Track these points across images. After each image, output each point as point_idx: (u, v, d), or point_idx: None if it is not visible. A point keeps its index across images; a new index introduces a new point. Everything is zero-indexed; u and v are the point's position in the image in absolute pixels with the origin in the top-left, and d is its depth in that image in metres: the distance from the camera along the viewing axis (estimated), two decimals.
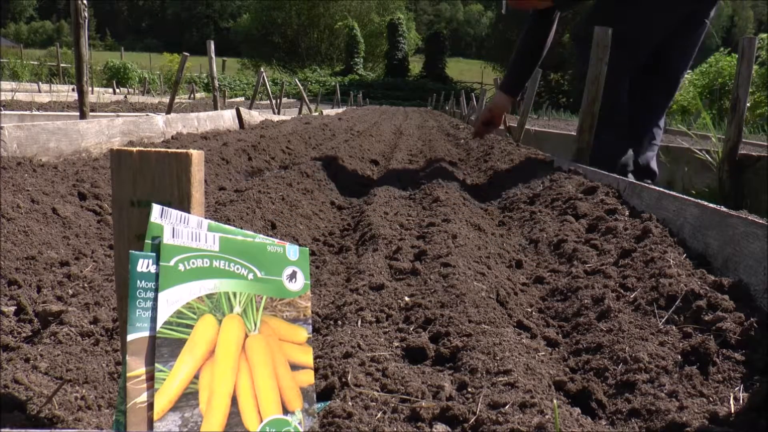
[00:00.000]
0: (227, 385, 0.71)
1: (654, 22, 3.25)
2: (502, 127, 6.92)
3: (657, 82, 3.42)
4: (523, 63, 3.76)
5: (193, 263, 0.72)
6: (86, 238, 1.91)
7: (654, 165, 3.47)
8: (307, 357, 0.78)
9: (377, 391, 0.93)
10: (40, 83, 15.62)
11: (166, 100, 9.27)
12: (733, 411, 0.93)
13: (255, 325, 0.75)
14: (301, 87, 12.31)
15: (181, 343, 0.69)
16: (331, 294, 1.56)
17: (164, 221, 0.72)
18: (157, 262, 0.70)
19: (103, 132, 3.18)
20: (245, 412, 0.71)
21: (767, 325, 1.14)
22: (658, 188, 2.12)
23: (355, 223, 2.41)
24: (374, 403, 0.89)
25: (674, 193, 1.97)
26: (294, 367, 0.76)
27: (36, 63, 21.59)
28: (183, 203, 0.76)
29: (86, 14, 3.22)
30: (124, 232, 0.76)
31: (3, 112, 5.11)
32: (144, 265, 0.69)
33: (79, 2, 3.14)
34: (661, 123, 3.53)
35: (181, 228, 0.73)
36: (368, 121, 10.20)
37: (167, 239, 0.71)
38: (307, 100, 11.71)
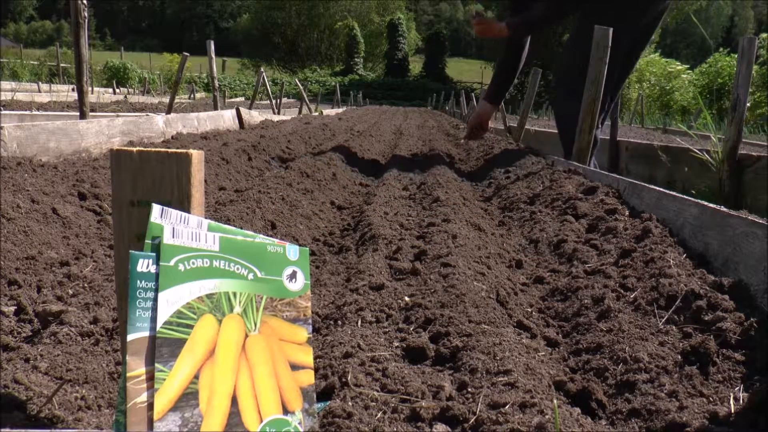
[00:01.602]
0: (227, 385, 0.71)
1: (632, 26, 3.54)
2: (502, 127, 6.95)
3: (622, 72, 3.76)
4: (502, 78, 4.44)
5: (193, 263, 0.72)
6: (86, 238, 1.91)
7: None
8: (307, 357, 0.78)
9: (377, 391, 0.93)
10: (40, 83, 15.60)
11: (166, 100, 9.26)
12: (733, 411, 0.93)
13: (255, 325, 0.75)
14: (301, 87, 12.29)
15: (181, 343, 0.69)
16: (331, 294, 1.56)
17: (164, 221, 0.72)
18: (157, 262, 0.70)
19: (103, 132, 3.18)
20: (245, 412, 0.71)
21: (767, 325, 1.14)
22: (658, 188, 2.12)
23: (355, 223, 2.41)
24: (374, 403, 0.89)
25: (674, 193, 1.97)
26: (294, 367, 0.76)
27: (36, 63, 21.58)
28: (183, 203, 0.76)
29: (86, 14, 3.22)
30: (124, 232, 0.76)
31: (3, 112, 5.10)
32: (144, 265, 0.69)
33: (79, 2, 3.14)
34: None
35: (181, 228, 0.72)
36: (368, 121, 10.20)
37: (167, 239, 0.71)
38: (307, 100, 11.71)
